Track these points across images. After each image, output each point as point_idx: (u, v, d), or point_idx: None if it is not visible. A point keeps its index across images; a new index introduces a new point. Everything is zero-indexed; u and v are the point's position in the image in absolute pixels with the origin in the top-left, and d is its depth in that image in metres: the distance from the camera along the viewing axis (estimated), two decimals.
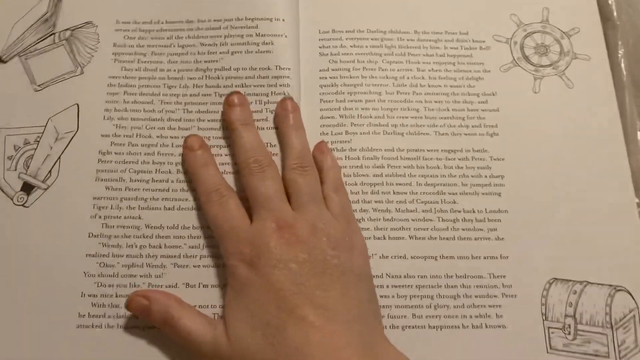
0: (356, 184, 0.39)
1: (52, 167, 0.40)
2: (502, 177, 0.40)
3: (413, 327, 0.37)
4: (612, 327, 0.37)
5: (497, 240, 0.39)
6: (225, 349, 0.33)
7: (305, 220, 0.35)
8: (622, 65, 0.43)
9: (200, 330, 0.34)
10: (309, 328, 0.31)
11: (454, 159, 0.40)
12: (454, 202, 0.39)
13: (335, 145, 0.40)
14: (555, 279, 0.38)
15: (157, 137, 0.40)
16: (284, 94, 0.40)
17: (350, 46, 0.43)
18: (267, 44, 0.42)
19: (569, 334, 0.37)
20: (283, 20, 0.42)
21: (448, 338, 0.37)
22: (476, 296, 0.37)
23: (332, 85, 0.42)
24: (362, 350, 0.31)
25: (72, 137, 0.41)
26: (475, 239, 0.39)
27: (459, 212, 0.39)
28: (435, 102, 0.41)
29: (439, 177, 0.40)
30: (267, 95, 0.40)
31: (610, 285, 0.38)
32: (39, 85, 0.42)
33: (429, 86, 0.42)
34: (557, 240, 0.39)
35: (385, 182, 0.39)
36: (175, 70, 0.42)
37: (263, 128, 0.40)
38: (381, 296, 0.37)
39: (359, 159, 0.40)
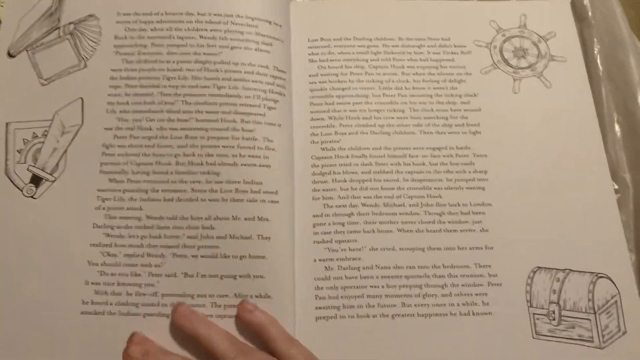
0: (345, 181, 0.34)
1: (59, 160, 0.34)
2: (485, 172, 0.35)
3: (402, 316, 0.32)
4: (595, 313, 0.32)
5: (482, 232, 0.34)
6: None
7: None
8: (598, 61, 0.38)
9: None
10: None
11: (439, 156, 0.35)
12: (440, 197, 0.34)
13: (325, 145, 0.35)
14: (539, 267, 0.33)
15: (157, 129, 0.34)
16: (281, 94, 0.35)
17: (338, 53, 0.38)
18: (266, 44, 0.36)
19: (554, 319, 0.32)
20: (280, 26, 0.37)
21: (436, 326, 0.32)
22: (463, 285, 0.32)
23: (321, 89, 0.37)
24: None
25: (78, 131, 0.34)
26: (461, 231, 0.34)
27: (444, 205, 0.34)
28: (420, 103, 0.36)
29: (425, 174, 0.35)
30: (265, 92, 0.34)
31: (592, 273, 0.33)
32: (45, 80, 0.36)
33: (413, 88, 0.37)
34: (539, 230, 0.34)
35: (374, 179, 0.34)
36: (174, 62, 0.35)
37: (260, 123, 0.34)
38: (371, 286, 0.32)
39: (348, 157, 0.35)
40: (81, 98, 0.35)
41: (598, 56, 0.39)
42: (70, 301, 0.31)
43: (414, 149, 0.35)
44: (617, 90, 0.38)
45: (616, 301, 0.33)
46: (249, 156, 0.33)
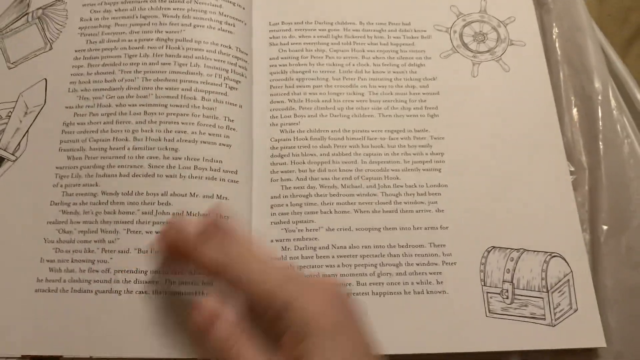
0: (304, 163, 0.32)
1: (21, 139, 0.31)
2: (442, 154, 0.33)
3: (357, 294, 0.29)
4: (547, 291, 0.30)
5: (438, 212, 0.31)
6: None
7: None
8: (557, 45, 0.36)
9: None
10: None
11: (397, 138, 0.33)
12: (397, 178, 0.32)
13: (284, 127, 0.32)
14: (494, 247, 0.31)
15: (116, 105, 0.31)
16: (243, 75, 0.32)
17: (299, 36, 0.35)
18: (229, 24, 0.33)
19: (507, 298, 0.29)
20: (243, 8, 0.34)
21: (391, 303, 0.29)
22: (417, 264, 0.30)
23: (282, 72, 0.34)
24: None
25: (40, 111, 0.32)
26: (417, 211, 0.31)
27: (402, 187, 0.32)
28: (380, 86, 0.34)
29: (383, 156, 0.32)
30: (227, 72, 0.32)
31: (546, 252, 0.31)
32: (12, 63, 0.34)
33: (373, 72, 0.35)
34: (494, 210, 0.32)
35: (332, 161, 0.32)
36: (136, 40, 0.33)
37: (222, 102, 0.31)
38: (327, 266, 0.30)
39: (306, 139, 0.32)
40: (45, 79, 0.33)
41: (557, 40, 0.37)
42: (25, 279, 0.29)
43: (373, 131, 0.33)
44: (575, 74, 0.36)
45: (568, 280, 0.30)
46: (209, 134, 0.31)
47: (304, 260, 0.30)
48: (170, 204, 0.29)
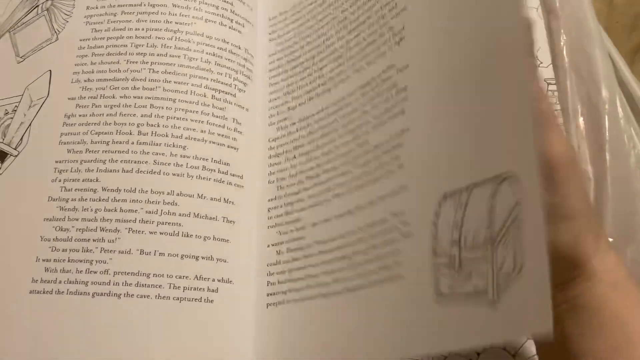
0: (295, 157, 0.26)
1: (24, 134, 0.25)
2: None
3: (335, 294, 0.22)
4: (492, 244, 0.17)
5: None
6: None
7: None
8: (564, 53, 0.31)
9: None
10: None
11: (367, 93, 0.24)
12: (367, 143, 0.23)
13: (280, 124, 0.26)
14: (446, 194, 0.19)
15: (120, 97, 0.25)
16: (250, 78, 0.27)
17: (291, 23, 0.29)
18: (239, 24, 0.27)
19: (454, 266, 0.18)
20: (251, 9, 0.28)
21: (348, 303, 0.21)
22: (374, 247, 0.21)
23: (278, 67, 0.28)
24: None
25: (43, 103, 0.26)
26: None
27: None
28: None
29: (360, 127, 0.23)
30: (236, 73, 0.26)
31: (497, 176, 0.18)
32: (21, 57, 0.27)
33: None
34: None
35: (317, 146, 0.25)
36: (143, 29, 0.26)
37: (231, 103, 0.25)
38: (310, 266, 0.23)
39: (297, 131, 0.26)
40: (50, 70, 0.27)
41: (564, 48, 0.32)
42: (20, 279, 0.22)
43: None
44: (582, 82, 0.31)
45: (517, 216, 0.17)
46: (218, 134, 0.25)
47: (294, 263, 0.23)
48: (176, 204, 0.23)
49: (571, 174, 0.20)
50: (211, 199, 0.24)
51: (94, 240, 0.22)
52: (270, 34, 0.29)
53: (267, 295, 0.24)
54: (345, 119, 0.24)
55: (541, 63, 0.32)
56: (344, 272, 0.22)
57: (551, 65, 0.31)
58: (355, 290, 0.21)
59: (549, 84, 0.32)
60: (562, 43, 0.31)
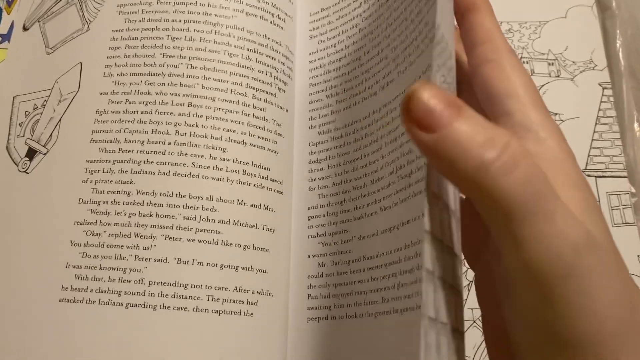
0: (339, 165, 0.23)
1: (53, 130, 0.24)
2: None
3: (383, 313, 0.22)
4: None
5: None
6: None
7: None
8: (620, 55, 0.29)
9: None
10: None
11: None
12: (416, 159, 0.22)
13: (322, 128, 0.24)
14: None
15: (156, 93, 0.23)
16: (290, 77, 0.25)
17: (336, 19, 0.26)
18: (280, 19, 0.25)
19: None
20: (292, 3, 0.26)
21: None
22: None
23: (320, 67, 0.25)
24: None
25: (73, 98, 0.24)
26: None
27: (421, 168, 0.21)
28: None
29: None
30: (277, 71, 0.24)
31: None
32: (51, 48, 0.26)
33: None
34: None
35: (363, 155, 0.23)
36: (181, 21, 0.24)
37: (272, 103, 0.24)
38: (359, 282, 0.20)
39: (341, 137, 0.24)
40: (80, 63, 0.25)
41: (620, 49, 0.30)
42: (49, 287, 0.21)
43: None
44: (639, 86, 0.30)
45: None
46: (259, 137, 0.23)
47: (339, 277, 0.22)
48: (216, 210, 0.21)
49: (594, 266, 0.12)
50: (251, 205, 0.22)
51: (127, 247, 0.21)
52: (310, 30, 0.27)
53: (308, 309, 0.22)
54: (390, 125, 0.22)
55: (596, 66, 0.30)
56: (391, 292, 0.20)
57: (606, 68, 0.29)
58: (402, 312, 0.19)
59: (604, 88, 0.30)
60: (617, 44, 0.29)
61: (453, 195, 0.16)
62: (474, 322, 0.28)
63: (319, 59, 0.26)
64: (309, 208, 0.24)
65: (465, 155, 0.12)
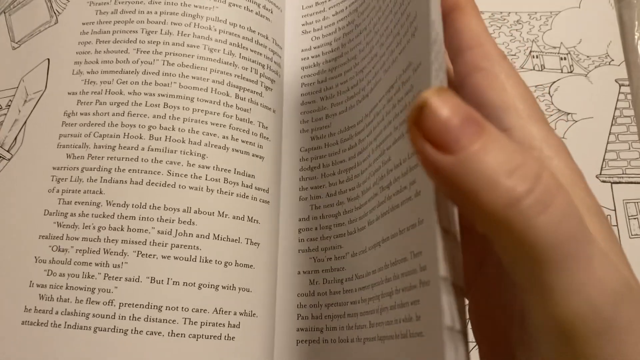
0: (334, 174, 0.21)
1: (18, 133, 0.22)
2: None
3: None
4: None
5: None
6: None
7: None
8: (639, 48, 0.27)
9: None
10: None
11: None
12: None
13: (315, 133, 0.22)
14: None
15: (129, 93, 0.21)
16: (277, 74, 0.22)
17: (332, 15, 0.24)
18: (267, 9, 0.23)
19: None
20: None
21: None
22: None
23: (314, 65, 0.23)
24: None
25: (40, 98, 0.22)
26: None
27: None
28: None
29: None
30: (263, 67, 0.22)
31: None
32: (16, 42, 0.23)
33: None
34: None
35: (356, 163, 0.21)
36: (156, 13, 0.22)
37: (257, 103, 0.21)
38: (351, 303, 0.17)
39: (337, 143, 0.21)
40: (48, 59, 0.23)
41: (639, 43, 0.28)
42: (11, 307, 0.19)
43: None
44: None
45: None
46: (243, 141, 0.21)
47: (332, 297, 0.20)
48: (194, 223, 0.19)
49: (634, 320, 0.11)
50: (234, 217, 0.20)
51: (96, 265, 0.19)
52: (303, 25, 0.24)
53: (297, 330, 0.20)
54: (375, 131, 0.20)
55: (612, 61, 0.27)
56: (375, 316, 0.18)
57: (623, 63, 0.27)
58: (384, 339, 0.17)
59: (621, 85, 0.28)
60: (636, 37, 0.27)
61: (455, 217, 0.14)
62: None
63: (312, 57, 0.24)
64: (300, 220, 0.22)
65: (491, 187, 0.10)
